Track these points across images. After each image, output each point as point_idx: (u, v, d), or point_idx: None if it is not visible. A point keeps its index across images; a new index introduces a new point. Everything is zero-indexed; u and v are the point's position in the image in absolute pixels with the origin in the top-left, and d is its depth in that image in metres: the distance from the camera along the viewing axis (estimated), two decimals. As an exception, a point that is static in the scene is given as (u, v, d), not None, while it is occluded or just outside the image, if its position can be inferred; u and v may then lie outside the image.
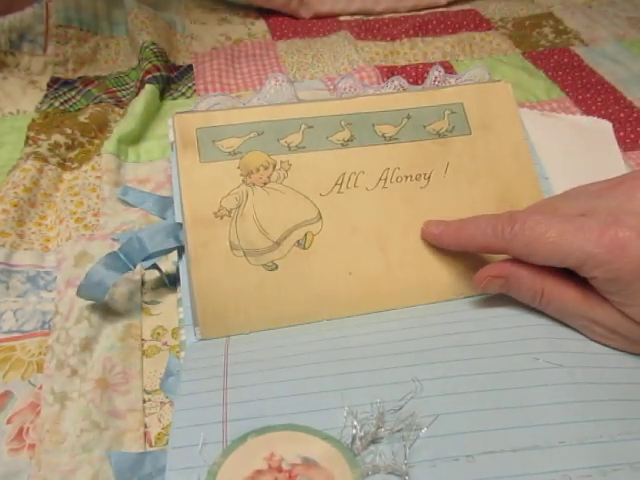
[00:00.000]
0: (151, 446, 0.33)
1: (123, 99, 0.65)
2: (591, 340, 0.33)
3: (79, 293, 0.38)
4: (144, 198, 0.49)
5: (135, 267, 0.39)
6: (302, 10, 0.83)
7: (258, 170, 0.38)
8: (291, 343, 0.34)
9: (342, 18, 0.84)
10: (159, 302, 0.41)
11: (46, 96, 0.64)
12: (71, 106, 0.63)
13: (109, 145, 0.54)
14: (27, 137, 0.57)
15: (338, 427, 0.28)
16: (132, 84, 0.67)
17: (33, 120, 0.60)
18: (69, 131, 0.56)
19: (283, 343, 0.34)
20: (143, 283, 0.42)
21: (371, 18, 0.83)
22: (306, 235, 0.37)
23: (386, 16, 0.84)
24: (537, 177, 0.41)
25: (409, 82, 0.45)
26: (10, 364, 0.37)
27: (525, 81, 0.67)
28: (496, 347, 0.32)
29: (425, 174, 0.40)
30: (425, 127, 0.41)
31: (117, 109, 0.63)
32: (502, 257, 0.35)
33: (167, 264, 0.42)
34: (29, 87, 0.66)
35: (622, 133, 0.58)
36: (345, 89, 0.44)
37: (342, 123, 0.40)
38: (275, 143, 0.39)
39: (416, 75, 0.69)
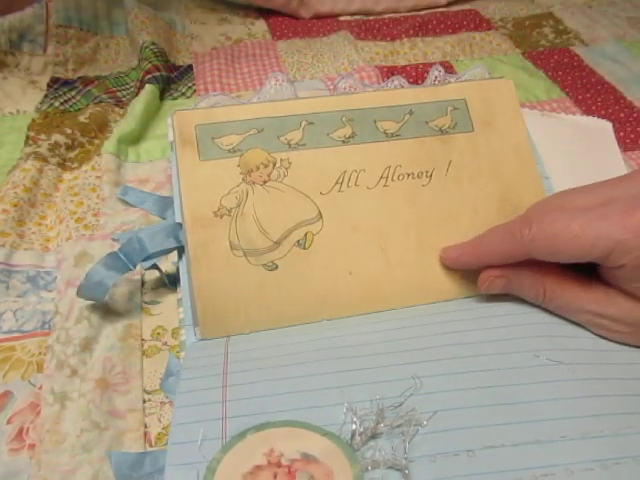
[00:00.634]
0: (151, 446, 0.33)
1: (123, 99, 0.65)
2: (592, 338, 0.33)
3: (79, 293, 0.38)
4: (144, 198, 0.48)
5: (135, 267, 0.39)
6: (302, 10, 0.83)
7: (258, 168, 0.38)
8: (291, 342, 0.34)
9: (342, 18, 0.84)
10: (159, 302, 0.41)
11: (46, 96, 0.64)
12: (71, 106, 0.63)
13: (109, 145, 0.54)
14: (27, 137, 0.57)
15: (338, 423, 0.28)
16: (132, 84, 0.67)
17: (33, 120, 0.60)
18: (69, 131, 0.56)
19: (283, 342, 0.34)
20: (143, 283, 0.42)
21: (371, 18, 0.83)
22: (306, 235, 0.37)
23: (386, 16, 0.84)
24: (539, 175, 0.41)
25: (409, 82, 0.45)
26: (10, 364, 0.37)
27: (525, 81, 0.67)
28: (496, 345, 0.32)
29: (427, 172, 0.39)
30: (427, 123, 0.41)
31: (117, 109, 0.63)
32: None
33: (167, 264, 0.42)
34: (29, 87, 0.66)
35: (622, 133, 0.58)
36: (345, 89, 0.43)
37: (343, 119, 0.40)
38: (275, 140, 0.39)
39: (416, 75, 0.69)
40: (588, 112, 0.62)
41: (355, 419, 0.27)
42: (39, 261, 0.44)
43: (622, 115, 0.61)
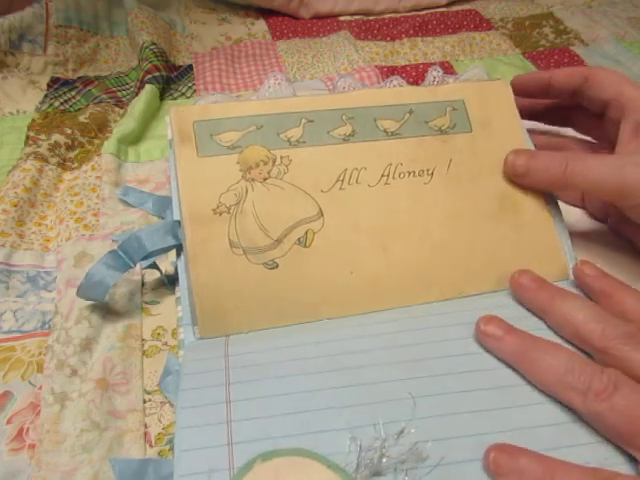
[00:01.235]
0: (151, 446, 0.33)
1: (123, 99, 0.65)
2: None
3: (79, 293, 0.38)
4: (144, 199, 0.48)
5: (135, 265, 0.39)
6: (302, 10, 0.83)
7: (258, 165, 0.38)
8: (291, 345, 0.34)
9: (342, 18, 0.84)
10: (159, 302, 0.41)
11: (46, 96, 0.65)
12: (71, 106, 0.63)
13: (109, 145, 0.54)
14: (27, 137, 0.57)
15: (342, 452, 0.27)
16: (132, 84, 0.67)
17: (33, 120, 0.60)
18: (69, 131, 0.56)
19: (283, 344, 0.34)
20: (143, 283, 0.42)
21: (371, 18, 0.84)
22: (307, 233, 0.37)
23: (386, 16, 0.84)
24: None
25: (409, 82, 0.45)
26: (10, 364, 0.36)
27: (525, 81, 0.67)
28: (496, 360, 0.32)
29: (428, 170, 0.39)
30: (427, 123, 0.41)
31: (117, 109, 0.63)
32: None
33: (167, 264, 0.42)
34: (29, 87, 0.66)
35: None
36: (344, 88, 0.43)
37: (343, 117, 0.40)
38: (275, 137, 0.38)
39: (416, 75, 0.69)
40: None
41: (359, 450, 0.27)
42: (39, 261, 0.44)
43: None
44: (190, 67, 0.71)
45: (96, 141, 0.57)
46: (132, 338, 0.38)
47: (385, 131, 0.40)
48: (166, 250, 0.39)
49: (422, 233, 0.38)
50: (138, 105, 0.59)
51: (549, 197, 0.40)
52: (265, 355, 0.33)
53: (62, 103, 0.64)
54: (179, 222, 0.37)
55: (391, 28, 0.80)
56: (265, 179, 0.37)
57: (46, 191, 0.50)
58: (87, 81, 0.68)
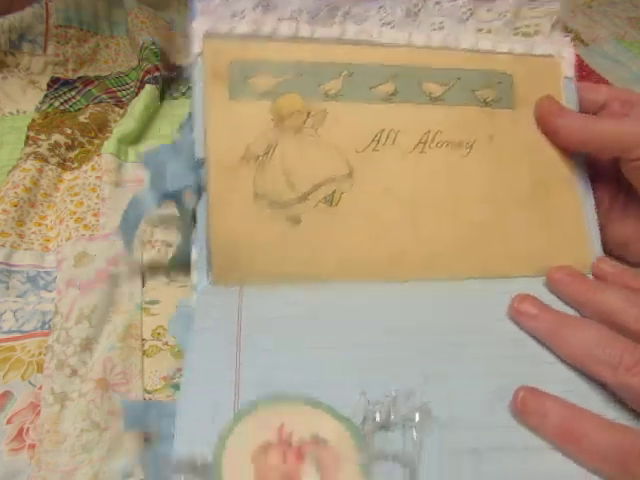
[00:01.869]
0: (151, 446, 0.33)
1: (123, 99, 0.65)
2: None
3: (122, 226, 0.37)
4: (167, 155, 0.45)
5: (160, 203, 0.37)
6: (302, 10, 0.83)
7: (292, 115, 0.36)
8: (307, 302, 0.33)
9: (342, 18, 0.84)
10: (159, 302, 0.41)
11: (46, 96, 0.64)
12: (71, 106, 0.63)
13: (109, 145, 0.53)
14: (27, 137, 0.57)
15: (350, 405, 0.27)
16: (132, 84, 0.67)
17: (33, 120, 0.60)
18: (69, 131, 0.56)
19: (298, 300, 0.33)
20: (143, 284, 0.42)
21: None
22: (334, 192, 0.36)
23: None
24: (575, 161, 0.40)
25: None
26: (10, 364, 0.36)
27: (525, 81, 0.67)
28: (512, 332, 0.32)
29: (468, 142, 0.38)
30: (474, 92, 0.39)
31: (117, 109, 0.62)
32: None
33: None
34: (29, 87, 0.66)
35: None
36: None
37: (388, 74, 0.37)
38: (313, 87, 0.36)
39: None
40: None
41: (369, 405, 0.27)
42: (39, 261, 0.44)
43: (622, 115, 0.61)
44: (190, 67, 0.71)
45: (96, 141, 0.57)
46: (132, 338, 0.38)
47: (429, 95, 0.38)
48: (187, 189, 0.36)
49: (454, 208, 0.37)
50: (138, 105, 0.59)
51: (583, 185, 0.39)
52: (279, 309, 0.32)
53: (62, 103, 0.63)
54: (202, 161, 0.35)
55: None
56: (298, 131, 0.36)
57: (46, 191, 0.50)
58: (87, 81, 0.68)
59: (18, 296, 0.41)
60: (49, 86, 0.66)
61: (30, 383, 0.36)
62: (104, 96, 0.65)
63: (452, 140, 0.37)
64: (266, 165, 0.35)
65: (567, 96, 0.40)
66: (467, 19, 0.40)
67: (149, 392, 0.35)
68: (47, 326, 0.39)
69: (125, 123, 0.57)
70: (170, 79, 0.67)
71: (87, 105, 0.63)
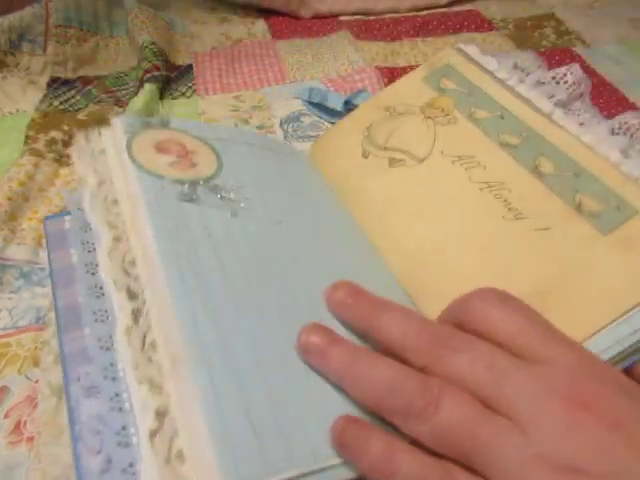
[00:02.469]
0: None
1: (123, 99, 0.65)
2: None
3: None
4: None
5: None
6: (302, 10, 0.83)
7: (434, 108, 0.41)
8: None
9: (342, 18, 0.84)
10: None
11: (46, 96, 0.64)
12: (71, 106, 0.63)
13: (108, 142, 0.53)
14: (27, 137, 0.57)
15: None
16: (132, 84, 0.67)
17: (33, 120, 0.60)
18: (66, 128, 0.56)
19: None
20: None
21: (371, 18, 0.83)
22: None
23: (386, 16, 0.84)
24: None
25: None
26: (6, 359, 0.36)
27: (526, 80, 0.67)
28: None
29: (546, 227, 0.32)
30: (576, 192, 0.33)
31: (117, 108, 0.62)
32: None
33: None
34: (29, 87, 0.66)
35: (624, 131, 0.58)
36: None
37: (523, 133, 0.36)
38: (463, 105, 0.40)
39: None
40: (590, 111, 0.62)
41: None
42: (33, 257, 0.44)
43: (624, 113, 0.61)
44: (190, 67, 0.71)
45: (95, 139, 0.57)
46: (130, 333, 0.38)
47: (536, 170, 0.34)
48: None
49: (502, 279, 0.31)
50: (137, 103, 0.59)
51: None
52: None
53: (62, 103, 0.63)
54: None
55: (391, 28, 0.80)
56: (427, 117, 0.40)
57: (41, 186, 0.50)
58: (87, 81, 0.68)
59: (12, 292, 0.41)
60: (49, 86, 0.66)
61: (27, 377, 0.35)
62: (104, 96, 0.65)
63: (538, 227, 0.33)
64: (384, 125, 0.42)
65: None
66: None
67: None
68: (41, 321, 0.39)
69: (124, 121, 0.57)
70: (170, 79, 0.67)
71: (87, 105, 0.63)
